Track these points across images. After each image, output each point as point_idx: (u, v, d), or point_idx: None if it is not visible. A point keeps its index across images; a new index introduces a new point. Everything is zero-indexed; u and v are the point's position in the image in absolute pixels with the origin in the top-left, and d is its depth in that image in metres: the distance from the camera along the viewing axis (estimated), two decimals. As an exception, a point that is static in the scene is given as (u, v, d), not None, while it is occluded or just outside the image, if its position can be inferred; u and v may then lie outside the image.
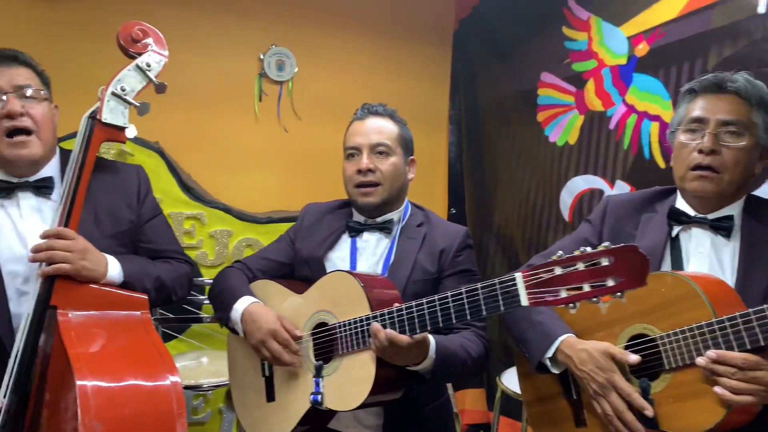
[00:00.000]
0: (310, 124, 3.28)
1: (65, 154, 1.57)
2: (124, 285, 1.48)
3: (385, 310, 1.42)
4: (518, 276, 1.20)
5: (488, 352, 1.62)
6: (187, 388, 2.37)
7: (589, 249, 1.11)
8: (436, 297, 1.36)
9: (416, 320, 1.37)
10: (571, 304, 1.10)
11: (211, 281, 2.79)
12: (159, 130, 2.83)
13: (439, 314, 1.34)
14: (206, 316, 2.87)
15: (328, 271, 1.68)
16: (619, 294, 1.07)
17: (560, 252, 1.14)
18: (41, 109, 1.50)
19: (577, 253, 1.11)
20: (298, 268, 1.78)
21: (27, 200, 1.50)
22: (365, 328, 1.44)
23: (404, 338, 1.37)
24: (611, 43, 2.59)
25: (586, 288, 1.09)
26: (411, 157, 1.78)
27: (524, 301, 1.18)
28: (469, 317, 1.30)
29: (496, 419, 2.73)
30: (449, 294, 1.33)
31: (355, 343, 1.46)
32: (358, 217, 1.76)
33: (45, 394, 1.33)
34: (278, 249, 1.83)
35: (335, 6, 3.30)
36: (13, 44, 1.54)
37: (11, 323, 1.43)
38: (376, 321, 1.41)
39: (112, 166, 1.65)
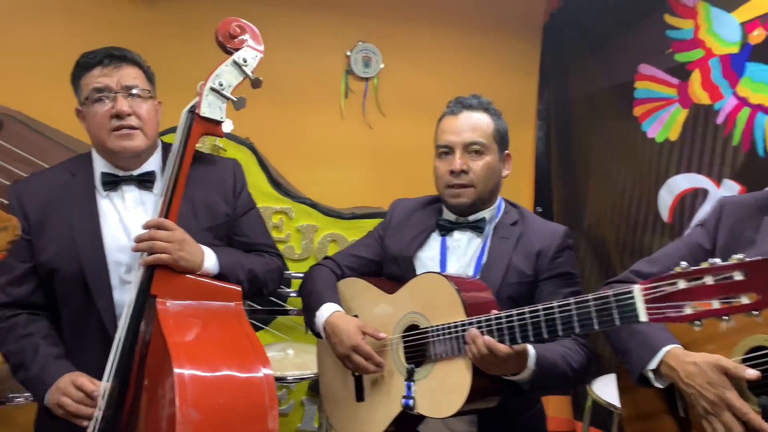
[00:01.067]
0: (395, 121, 3.26)
1: (166, 149, 1.61)
2: (219, 276, 1.50)
3: (482, 317, 1.37)
4: (636, 289, 1.11)
5: (590, 362, 1.53)
6: (272, 379, 2.41)
7: (719, 261, 1.00)
8: (540, 306, 1.29)
9: (517, 329, 1.31)
10: (696, 322, 1.00)
11: (298, 275, 2.85)
12: (249, 125, 2.88)
13: (544, 325, 1.27)
14: (292, 308, 2.91)
15: (417, 269, 1.65)
16: (755, 313, 0.96)
17: (684, 263, 1.04)
18: (147, 107, 1.54)
19: (705, 265, 1.01)
20: (386, 266, 1.75)
21: (131, 193, 1.56)
22: (460, 334, 1.39)
23: (504, 348, 1.32)
24: (721, 30, 2.40)
25: (716, 305, 0.99)
26: (506, 152, 1.69)
27: (643, 316, 1.09)
28: (578, 330, 1.22)
29: (585, 430, 2.61)
30: (555, 304, 1.26)
31: (450, 349, 1.42)
32: (448, 215, 1.70)
33: (144, 380, 1.38)
34: (367, 246, 1.82)
35: (422, 0, 3.26)
36: (118, 43, 1.59)
37: (114, 311, 1.49)
38: (473, 327, 1.37)
39: (210, 159, 1.68)
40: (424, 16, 3.27)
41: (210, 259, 1.49)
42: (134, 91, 1.51)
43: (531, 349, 1.39)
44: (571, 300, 1.25)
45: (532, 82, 3.51)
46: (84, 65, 1.51)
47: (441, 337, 1.44)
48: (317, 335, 1.67)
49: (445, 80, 3.29)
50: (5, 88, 2.57)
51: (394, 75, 3.24)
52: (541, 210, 3.45)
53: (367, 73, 3.19)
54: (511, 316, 1.33)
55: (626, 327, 1.43)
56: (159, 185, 1.57)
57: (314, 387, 2.98)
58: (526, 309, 1.31)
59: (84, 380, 1.39)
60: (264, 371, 1.31)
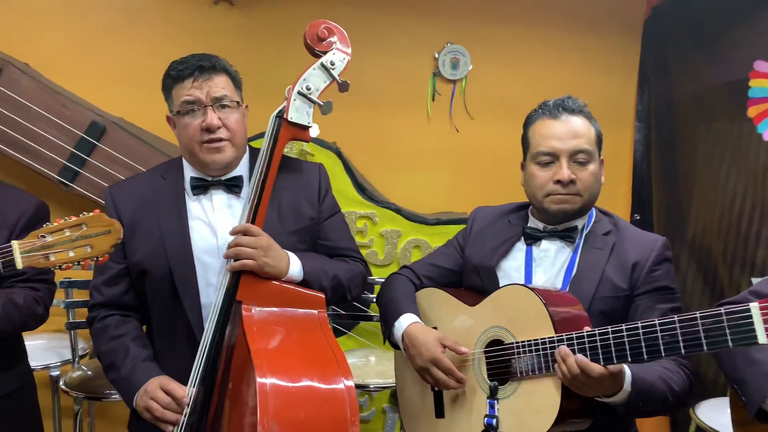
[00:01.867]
0: (483, 124, 3.18)
1: (254, 153, 1.63)
2: (303, 282, 1.49)
3: (574, 334, 1.28)
4: (754, 306, 1.00)
5: (692, 385, 1.40)
6: (353, 386, 2.39)
7: None
8: (639, 323, 1.18)
9: (613, 348, 1.21)
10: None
11: (381, 280, 2.82)
12: (335, 129, 2.90)
13: (644, 345, 1.17)
14: (375, 314, 2.89)
15: (500, 280, 1.57)
16: None
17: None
18: (235, 117, 1.55)
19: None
20: (467, 276, 1.68)
21: (219, 196, 1.58)
22: (549, 351, 1.31)
23: (598, 368, 1.22)
24: None
25: None
26: (602, 158, 1.58)
27: (762, 337, 0.99)
28: (683, 352, 1.11)
29: (687, 456, 2.41)
30: (657, 321, 1.16)
31: (537, 367, 1.34)
32: (535, 222, 1.61)
33: (228, 385, 1.38)
34: (446, 255, 1.75)
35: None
36: (211, 49, 1.61)
37: (201, 312, 1.51)
38: (563, 344, 1.28)
39: (296, 164, 1.68)
40: (514, 15, 3.17)
41: (295, 265, 1.48)
42: (224, 102, 1.53)
43: (627, 370, 1.29)
44: (675, 317, 1.14)
45: (630, 82, 3.32)
46: (175, 76, 1.54)
47: (527, 354, 1.36)
48: (395, 346, 1.63)
49: (536, 81, 3.17)
50: (108, 96, 2.71)
51: (483, 76, 3.15)
52: (639, 218, 3.28)
53: (455, 75, 3.13)
54: (605, 333, 1.23)
55: (743, 354, 1.30)
56: (246, 189, 1.58)
57: (396, 395, 2.95)
58: (623, 326, 1.21)
59: (173, 385, 1.41)
60: (346, 383, 1.29)
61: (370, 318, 2.90)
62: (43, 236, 1.35)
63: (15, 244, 1.35)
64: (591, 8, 3.22)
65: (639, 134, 3.31)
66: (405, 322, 1.56)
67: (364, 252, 2.94)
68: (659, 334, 1.15)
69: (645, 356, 1.17)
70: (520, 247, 1.60)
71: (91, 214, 1.36)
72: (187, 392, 1.39)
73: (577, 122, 1.52)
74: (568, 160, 1.49)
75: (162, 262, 1.51)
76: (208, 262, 1.52)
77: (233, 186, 1.57)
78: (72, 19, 2.73)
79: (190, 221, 1.55)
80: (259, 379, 1.23)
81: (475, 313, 1.53)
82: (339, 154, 2.93)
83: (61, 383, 2.31)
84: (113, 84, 2.76)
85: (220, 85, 1.53)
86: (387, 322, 1.62)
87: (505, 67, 3.19)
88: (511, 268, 1.59)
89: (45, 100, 2.52)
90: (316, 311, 1.45)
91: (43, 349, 2.44)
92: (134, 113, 2.74)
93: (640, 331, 1.18)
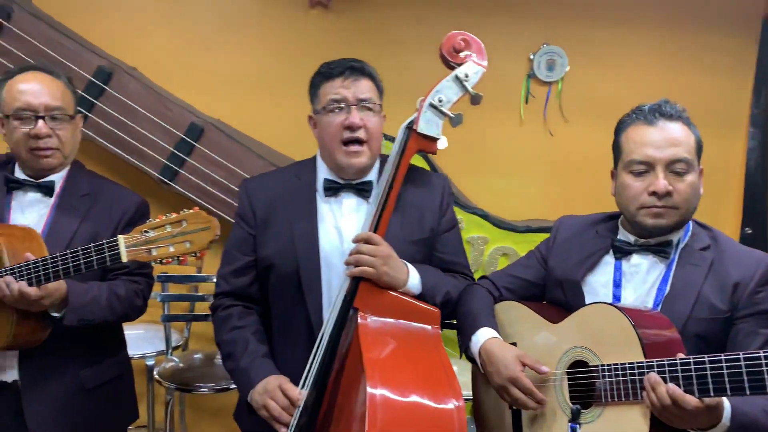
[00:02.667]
0: (579, 128, 3.06)
1: (383, 159, 1.65)
2: (419, 296, 1.50)
3: (665, 361, 1.18)
4: None
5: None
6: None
7: None
8: (741, 354, 1.08)
9: (710, 380, 1.11)
10: None
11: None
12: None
13: (746, 379, 1.06)
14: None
15: (586, 296, 1.49)
16: None
17: None
18: (375, 121, 1.59)
19: None
20: (549, 290, 1.61)
21: (348, 200, 1.62)
22: (637, 377, 1.22)
23: (692, 400, 1.12)
24: None
25: None
26: (701, 168, 1.46)
27: None
28: None
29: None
30: (762, 354, 1.04)
31: (623, 393, 1.25)
32: (625, 235, 1.50)
33: (338, 390, 1.40)
34: (527, 266, 1.68)
35: (615, -2, 3.03)
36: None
37: (322, 313, 1.54)
38: (653, 371, 1.18)
39: (422, 174, 1.69)
40: (615, 14, 3.04)
41: (414, 278, 1.50)
42: (367, 104, 1.57)
43: (726, 402, 1.17)
44: None
45: (744, 84, 3.11)
46: (326, 74, 1.59)
47: (613, 379, 1.27)
48: (471, 360, 1.58)
49: (638, 84, 3.02)
50: (206, 98, 2.83)
51: (580, 78, 3.05)
52: (750, 232, 3.05)
53: (550, 76, 3.05)
54: (702, 362, 1.13)
55: None
56: (374, 195, 1.60)
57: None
58: (722, 356, 1.10)
59: (290, 386, 1.44)
60: (455, 404, 1.28)
61: (452, 326, 2.85)
62: (146, 231, 1.43)
63: (121, 238, 1.44)
64: (700, 6, 3.03)
65: (753, 141, 3.10)
66: (482, 336, 1.51)
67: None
68: (765, 368, 1.04)
69: (747, 391, 1.06)
70: (609, 260, 1.51)
71: (190, 211, 1.43)
72: (301, 394, 1.42)
73: (675, 129, 1.41)
74: (665, 170, 1.38)
75: (290, 259, 1.56)
76: (333, 264, 1.56)
77: (363, 190, 1.61)
78: (174, 25, 2.87)
79: (319, 222, 1.59)
80: (369, 389, 1.24)
81: (557, 331, 1.45)
82: (425, 157, 2.89)
83: (155, 373, 2.43)
84: (211, 86, 2.88)
85: (366, 88, 1.58)
86: (464, 335, 1.58)
87: (605, 69, 3.07)
88: (598, 283, 1.50)
89: (149, 102, 2.68)
90: (430, 327, 1.45)
91: (140, 339, 2.58)
92: (231, 115, 2.84)
93: (742, 363, 1.07)
